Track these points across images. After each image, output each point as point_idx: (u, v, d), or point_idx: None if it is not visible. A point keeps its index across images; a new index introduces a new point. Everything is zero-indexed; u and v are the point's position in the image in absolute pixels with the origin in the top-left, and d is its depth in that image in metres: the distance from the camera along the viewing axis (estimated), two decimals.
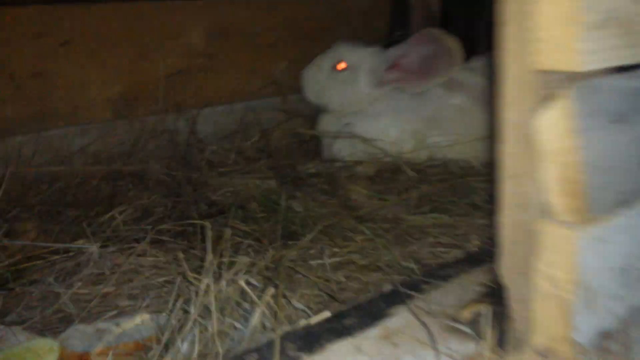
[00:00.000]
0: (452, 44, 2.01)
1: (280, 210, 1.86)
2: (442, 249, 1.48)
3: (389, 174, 1.98)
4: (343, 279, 1.37)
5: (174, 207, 1.95)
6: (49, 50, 2.11)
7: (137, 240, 1.58)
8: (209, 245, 1.20)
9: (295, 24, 2.64)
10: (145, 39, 2.25)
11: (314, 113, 2.69)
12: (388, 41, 2.90)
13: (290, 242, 1.64)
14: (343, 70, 2.24)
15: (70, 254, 1.51)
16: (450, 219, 1.67)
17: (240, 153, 2.17)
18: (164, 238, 1.62)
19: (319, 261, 1.44)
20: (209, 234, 1.26)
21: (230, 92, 2.52)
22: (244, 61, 2.52)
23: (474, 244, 1.47)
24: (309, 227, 1.78)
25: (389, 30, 2.94)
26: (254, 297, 1.07)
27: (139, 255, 1.49)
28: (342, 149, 2.16)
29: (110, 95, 2.23)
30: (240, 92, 2.54)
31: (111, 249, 1.53)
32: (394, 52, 2.18)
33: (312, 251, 1.52)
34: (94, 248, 1.48)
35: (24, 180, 1.97)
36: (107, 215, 1.73)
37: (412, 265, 1.37)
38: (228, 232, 1.46)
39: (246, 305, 1.10)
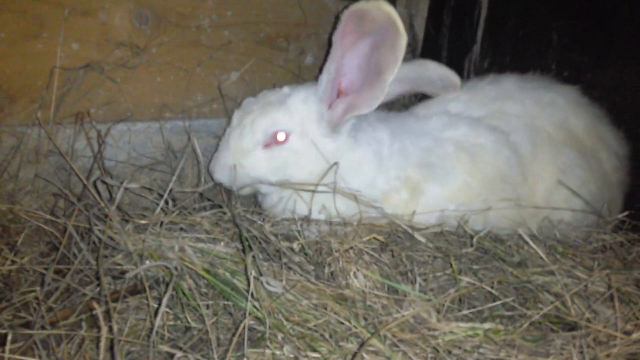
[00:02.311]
0: (390, 18, 1.31)
1: (235, 295, 1.18)
2: None
3: (399, 245, 1.35)
4: None
5: (56, 280, 1.18)
6: None
7: None
8: None
9: (254, 23, 1.97)
10: (39, 7, 1.48)
11: None
12: None
13: (252, 352, 1.06)
14: (279, 145, 1.51)
15: None
16: (513, 333, 1.07)
17: (169, 197, 1.43)
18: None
19: None
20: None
21: (159, 104, 1.78)
22: (183, 63, 1.80)
23: None
24: (280, 328, 1.12)
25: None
26: None
27: None
28: (323, 205, 1.49)
29: None
30: (173, 105, 1.81)
31: None
32: (326, 77, 1.48)
33: None
34: None
35: None
36: None
37: None
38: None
39: None
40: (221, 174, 1.53)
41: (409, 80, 1.69)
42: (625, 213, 1.57)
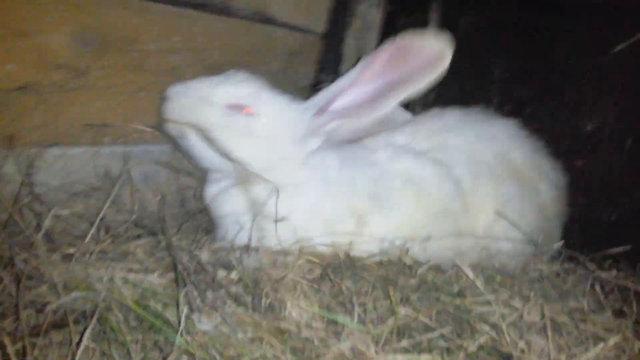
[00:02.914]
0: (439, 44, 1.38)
1: (166, 329, 1.12)
2: None
3: (338, 275, 1.33)
4: None
5: None
6: None
7: None
8: None
9: (203, 49, 1.95)
10: None
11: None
12: (312, 90, 2.35)
13: None
14: (248, 115, 1.50)
15: None
16: None
17: (103, 225, 1.37)
18: None
19: None
20: None
21: (96, 128, 1.72)
22: (124, 86, 1.75)
23: None
24: None
25: (315, 80, 2.38)
26: None
27: None
28: (264, 232, 1.46)
29: None
30: (111, 130, 1.75)
31: None
32: (332, 90, 1.51)
33: None
34: None
35: None
36: None
37: None
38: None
39: None
40: (172, 109, 1.48)
41: (384, 121, 1.68)
42: (561, 243, 1.61)
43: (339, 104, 1.52)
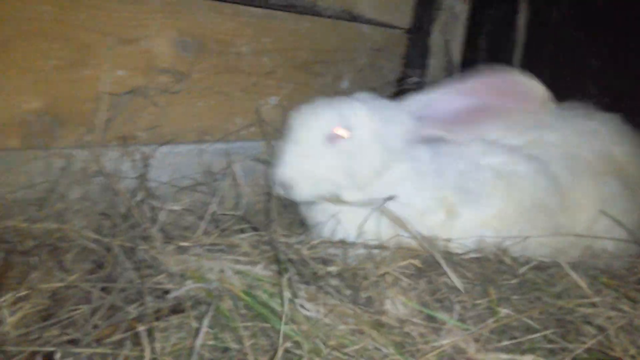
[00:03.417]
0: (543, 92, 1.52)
1: (273, 317, 1.19)
2: None
3: (436, 271, 1.35)
4: None
5: (102, 298, 1.22)
6: None
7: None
8: None
9: (292, 49, 2.02)
10: (84, 36, 1.54)
11: None
12: (398, 88, 2.36)
13: None
14: (344, 139, 1.56)
15: None
16: None
17: (212, 219, 1.47)
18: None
19: None
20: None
21: (200, 127, 1.83)
22: (223, 88, 1.85)
23: None
24: (318, 353, 1.12)
25: (402, 75, 2.38)
26: None
27: None
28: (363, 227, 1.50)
29: (21, 113, 1.48)
30: (213, 128, 1.86)
31: None
32: (436, 98, 1.59)
33: None
34: None
35: None
36: None
37: None
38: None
39: None
40: (285, 174, 1.53)
41: None
42: None
43: (436, 112, 1.57)
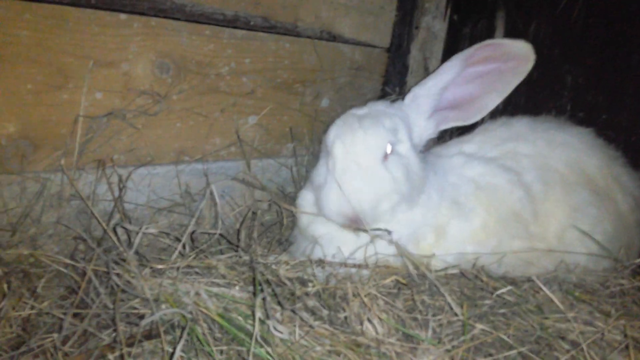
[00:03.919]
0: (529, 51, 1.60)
1: (248, 340, 1.18)
2: None
3: (413, 290, 1.35)
4: None
5: (74, 325, 1.21)
6: None
7: None
8: None
9: (271, 70, 2.03)
10: (64, 60, 1.55)
11: (280, 186, 2.06)
12: None
13: None
14: (391, 155, 1.50)
15: None
16: None
17: (189, 239, 1.46)
18: None
19: None
20: None
21: (178, 148, 1.83)
22: (203, 109, 1.86)
23: None
24: None
25: (381, 93, 2.41)
26: None
27: None
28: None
29: None
30: (191, 149, 1.86)
31: None
32: (434, 88, 1.64)
33: None
34: None
35: None
36: None
37: None
38: None
39: None
40: (361, 206, 1.37)
41: None
42: None
43: (447, 101, 1.64)
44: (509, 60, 1.58)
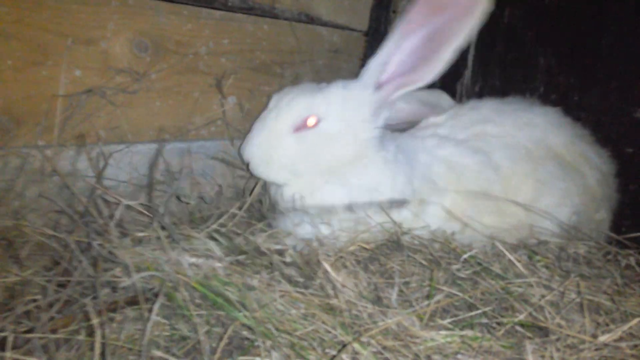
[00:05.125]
0: None
1: (227, 306, 1.23)
2: None
3: (387, 253, 1.41)
4: None
5: (57, 292, 1.24)
6: None
7: None
8: None
9: (251, 50, 2.07)
10: (43, 37, 1.57)
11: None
12: None
13: (242, 359, 1.11)
14: (315, 126, 1.59)
15: None
16: (490, 340, 1.12)
17: (168, 213, 1.50)
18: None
19: None
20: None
21: (158, 126, 1.86)
22: (180, 87, 1.89)
23: None
24: (269, 336, 1.17)
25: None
26: None
27: None
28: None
29: None
30: (171, 128, 1.89)
31: None
32: (376, 61, 1.58)
33: None
34: None
35: None
36: None
37: None
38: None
39: None
40: (251, 153, 1.61)
41: (428, 104, 1.80)
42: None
43: (393, 71, 1.58)
44: (455, 7, 1.45)
